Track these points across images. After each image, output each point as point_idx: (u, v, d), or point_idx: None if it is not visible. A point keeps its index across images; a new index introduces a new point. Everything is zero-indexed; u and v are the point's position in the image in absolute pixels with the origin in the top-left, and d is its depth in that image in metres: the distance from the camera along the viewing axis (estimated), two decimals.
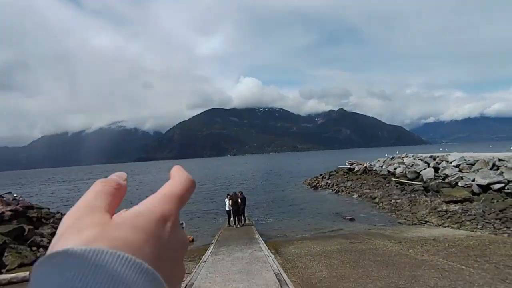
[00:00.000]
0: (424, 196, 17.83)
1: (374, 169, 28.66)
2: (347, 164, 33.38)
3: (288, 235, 13.80)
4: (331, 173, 34.47)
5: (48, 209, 17.28)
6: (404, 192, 19.78)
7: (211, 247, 10.99)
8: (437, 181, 17.89)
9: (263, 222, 16.85)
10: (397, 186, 21.90)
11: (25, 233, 12.15)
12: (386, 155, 37.32)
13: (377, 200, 20.06)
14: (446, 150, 40.65)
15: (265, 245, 10.87)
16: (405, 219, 15.23)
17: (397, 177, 22.94)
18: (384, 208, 18.11)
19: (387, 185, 23.21)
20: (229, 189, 24.88)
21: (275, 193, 28.75)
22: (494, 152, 23.24)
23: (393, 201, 18.54)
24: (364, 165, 30.31)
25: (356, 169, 30.83)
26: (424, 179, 19.51)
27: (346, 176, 31.30)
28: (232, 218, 14.50)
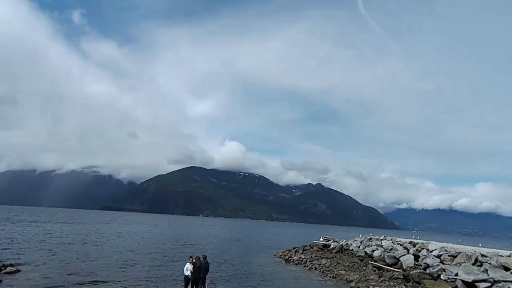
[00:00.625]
0: (404, 286, 16.24)
1: (350, 248, 27.06)
2: (322, 239, 31.61)
3: None
4: (305, 248, 32.36)
5: None
6: (382, 278, 18.13)
7: None
8: (418, 271, 16.56)
9: None
10: (374, 270, 20.26)
11: None
12: (360, 235, 35.96)
13: (353, 284, 18.16)
14: (418, 237, 39.92)
15: None
16: None
17: (375, 261, 21.40)
18: None
19: (364, 268, 21.51)
20: (194, 252, 22.12)
21: (243, 263, 26.02)
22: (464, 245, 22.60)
23: (369, 286, 16.75)
24: (341, 243, 28.70)
25: (332, 246, 29.05)
26: (404, 267, 18.13)
27: (320, 252, 29.33)
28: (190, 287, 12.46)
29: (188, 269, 12.38)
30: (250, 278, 19.70)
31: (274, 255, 32.59)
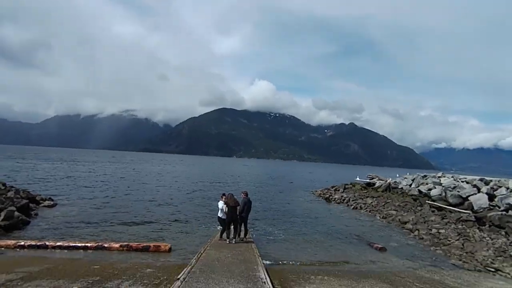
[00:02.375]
0: (478, 231, 13.70)
1: (399, 187, 24.50)
2: (367, 178, 29.29)
3: (300, 262, 9.90)
4: (346, 186, 30.38)
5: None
6: (446, 220, 15.66)
7: (185, 271, 7.19)
8: (498, 213, 13.75)
9: (267, 238, 12.86)
10: (433, 211, 17.77)
11: None
12: (397, 175, 33.05)
13: (409, 226, 15.96)
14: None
15: (269, 279, 7.03)
16: (460, 260, 11.16)
17: (433, 201, 18.80)
18: (422, 238, 14.02)
19: (419, 208, 19.08)
20: (232, 190, 20.50)
21: (282, 201, 24.78)
22: None
23: (434, 230, 14.44)
24: (388, 181, 26.18)
25: (377, 184, 26.69)
26: (475, 208, 15.36)
27: (364, 191, 27.16)
28: (227, 230, 10.59)
29: (221, 209, 10.40)
30: (294, 216, 18.20)
31: (313, 193, 31.20)
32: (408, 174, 30.41)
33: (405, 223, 16.84)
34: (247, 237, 11.00)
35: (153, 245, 10.43)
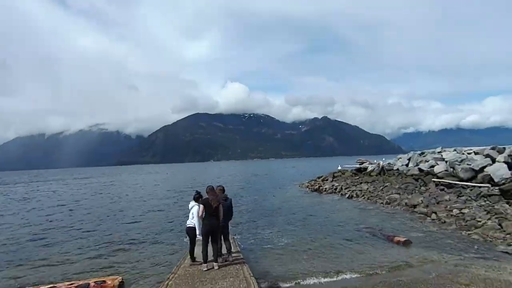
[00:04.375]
0: (509, 206, 11.42)
1: (395, 168, 22.31)
2: (356, 163, 27.01)
3: (315, 280, 6.89)
4: (335, 175, 27.96)
5: None
6: (464, 198, 13.36)
7: None
8: None
9: (261, 249, 9.53)
10: (442, 189, 15.52)
11: None
12: (375, 161, 31.04)
13: (422, 209, 13.50)
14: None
15: None
16: (509, 245, 8.66)
17: (439, 178, 16.58)
18: (444, 222, 11.54)
19: (424, 188, 16.82)
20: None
21: (268, 198, 21.77)
22: None
23: (455, 211, 12.01)
24: (380, 163, 23.96)
25: (369, 168, 24.42)
26: (496, 180, 13.15)
27: (356, 178, 24.83)
28: (202, 247, 6.85)
29: (193, 213, 7.00)
30: (286, 214, 15.23)
31: (299, 186, 28.51)
32: (383, 159, 28.53)
33: (415, 206, 14.42)
34: (232, 252, 7.54)
35: (94, 283, 6.99)
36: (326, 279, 6.96)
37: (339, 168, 31.00)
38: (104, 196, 28.14)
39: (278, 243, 9.99)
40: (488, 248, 8.65)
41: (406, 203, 15.17)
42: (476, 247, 8.78)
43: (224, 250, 7.31)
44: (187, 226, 7.26)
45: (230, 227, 7.87)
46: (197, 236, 7.01)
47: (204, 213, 6.79)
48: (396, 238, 9.66)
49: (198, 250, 7.22)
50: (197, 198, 7.28)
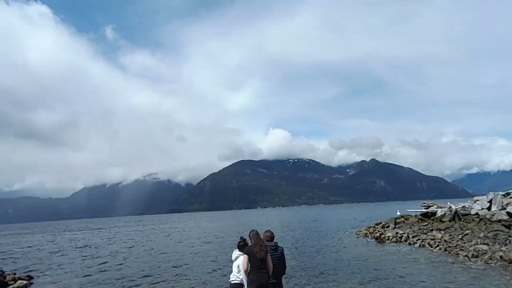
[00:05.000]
0: None
1: (472, 213, 18.92)
2: (421, 207, 23.74)
3: None
4: (397, 221, 24.72)
5: None
6: None
7: None
8: None
9: None
10: None
11: None
12: (445, 204, 26.74)
13: None
14: None
15: None
16: None
17: None
18: None
19: None
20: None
21: (322, 248, 19.48)
22: None
23: None
24: (452, 207, 20.62)
25: (439, 213, 21.10)
26: None
27: (424, 224, 21.55)
28: None
29: (238, 265, 5.74)
30: (346, 268, 13.10)
31: (356, 234, 25.57)
32: (448, 203, 24.61)
33: None
34: None
35: None
36: None
37: (398, 213, 27.57)
38: (170, 243, 27.91)
39: None
40: None
41: (501, 257, 12.19)
42: None
43: None
44: (232, 282, 5.78)
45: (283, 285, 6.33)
46: None
47: (249, 266, 5.43)
48: None
49: None
50: (242, 245, 5.95)
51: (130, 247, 25.96)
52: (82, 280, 13.56)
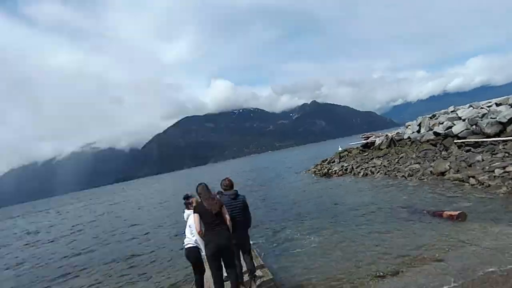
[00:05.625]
0: None
1: (405, 137, 20.77)
2: (361, 139, 25.48)
3: None
4: (341, 155, 26.39)
5: None
6: (500, 155, 11.80)
7: None
8: None
9: (287, 255, 7.74)
10: (468, 150, 13.98)
11: None
12: (381, 133, 29.42)
13: (456, 175, 11.93)
14: None
15: None
16: None
17: (461, 139, 15.04)
18: (489, 185, 9.96)
19: (445, 153, 15.29)
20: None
21: (276, 191, 20.09)
22: None
23: (498, 171, 10.44)
24: (388, 135, 22.43)
25: (377, 142, 22.86)
26: None
27: (365, 154, 23.28)
28: (213, 278, 4.53)
29: (192, 227, 4.84)
30: (302, 206, 13.55)
31: (306, 172, 26.91)
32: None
33: (443, 173, 12.86)
34: (256, 276, 5.41)
35: None
36: (379, 274, 5.30)
37: (340, 149, 29.46)
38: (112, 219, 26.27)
39: (308, 245, 8.20)
40: None
41: (431, 172, 13.60)
42: None
43: (246, 267, 5.34)
44: (186, 247, 4.99)
45: (250, 238, 5.65)
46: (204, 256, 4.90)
47: (202, 225, 4.50)
48: (446, 213, 8.03)
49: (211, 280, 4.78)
50: (188, 203, 5.29)
51: (72, 230, 24.11)
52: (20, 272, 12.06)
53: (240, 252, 5.23)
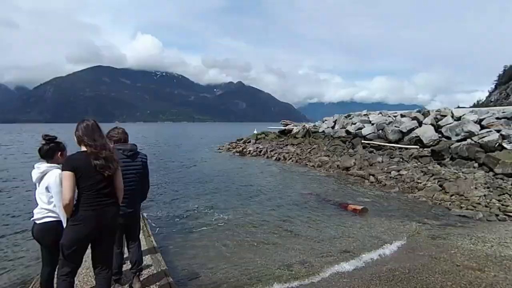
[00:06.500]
0: (440, 166, 11.40)
1: (320, 130, 21.93)
2: (281, 124, 26.01)
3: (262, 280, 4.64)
4: (258, 137, 26.53)
5: None
6: (396, 160, 13.15)
7: None
8: (464, 143, 11.63)
9: (185, 232, 6.68)
10: (371, 151, 15.33)
11: None
12: (300, 123, 31.32)
13: (359, 172, 12.85)
14: None
15: None
16: (460, 207, 8.14)
17: (368, 140, 16.43)
18: (385, 185, 10.88)
19: (352, 151, 16.53)
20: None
21: (187, 163, 18.75)
22: None
23: (393, 173, 11.53)
24: (306, 125, 23.37)
25: (294, 130, 23.61)
26: (425, 141, 13.22)
27: (281, 140, 23.83)
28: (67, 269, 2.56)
29: (53, 191, 2.68)
30: (211, 180, 12.68)
31: (220, 148, 26.20)
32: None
33: (348, 168, 13.77)
34: (142, 264, 3.59)
35: None
36: (278, 266, 4.86)
37: (255, 131, 29.72)
38: None
39: (212, 222, 7.35)
40: (444, 212, 7.97)
41: (338, 166, 14.45)
42: (433, 212, 8.03)
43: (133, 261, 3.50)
44: (38, 222, 2.77)
45: (142, 207, 4.09)
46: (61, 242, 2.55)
47: (73, 193, 2.47)
48: (351, 206, 8.28)
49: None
50: (52, 152, 2.88)
51: None
52: None
53: (124, 238, 3.52)
